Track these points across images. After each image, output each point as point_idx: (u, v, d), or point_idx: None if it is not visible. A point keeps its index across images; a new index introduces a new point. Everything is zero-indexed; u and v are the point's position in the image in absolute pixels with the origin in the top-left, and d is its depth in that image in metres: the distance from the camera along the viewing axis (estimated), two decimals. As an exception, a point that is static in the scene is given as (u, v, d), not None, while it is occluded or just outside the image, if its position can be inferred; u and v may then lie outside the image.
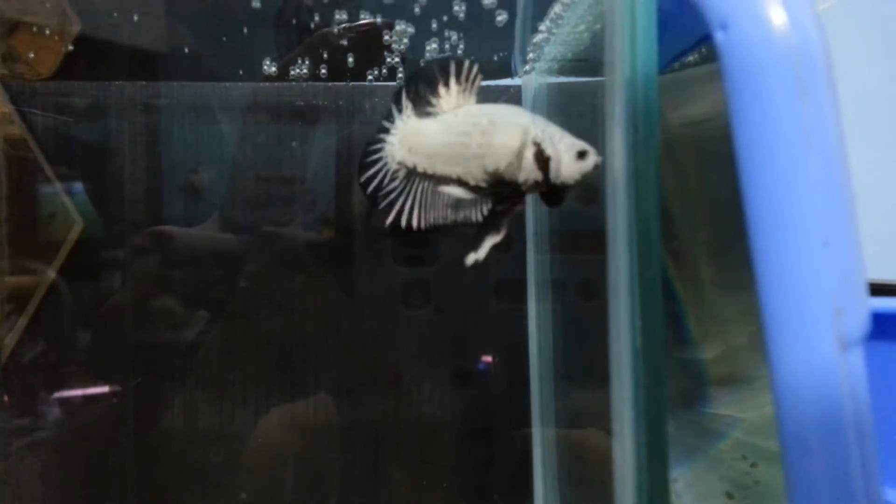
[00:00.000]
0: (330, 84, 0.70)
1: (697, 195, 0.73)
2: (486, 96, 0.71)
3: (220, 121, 0.73)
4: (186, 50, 0.70)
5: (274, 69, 0.66)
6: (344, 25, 0.66)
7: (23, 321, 0.71)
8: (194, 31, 0.70)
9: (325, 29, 0.67)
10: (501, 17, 0.52)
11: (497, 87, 0.71)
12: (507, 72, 0.68)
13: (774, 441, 0.65)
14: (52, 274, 0.71)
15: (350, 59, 0.67)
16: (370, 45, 0.66)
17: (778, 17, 0.29)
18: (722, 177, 0.74)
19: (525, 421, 0.74)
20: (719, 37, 0.30)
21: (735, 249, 0.75)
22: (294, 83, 0.69)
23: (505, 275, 0.75)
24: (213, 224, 0.73)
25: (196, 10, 0.70)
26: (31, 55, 0.67)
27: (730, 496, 0.63)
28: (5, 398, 0.69)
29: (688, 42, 0.40)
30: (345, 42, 0.66)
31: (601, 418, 0.63)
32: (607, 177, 0.37)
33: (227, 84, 0.72)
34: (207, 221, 0.73)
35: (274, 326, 0.74)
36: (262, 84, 0.70)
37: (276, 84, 0.70)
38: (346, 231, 0.74)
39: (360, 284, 0.75)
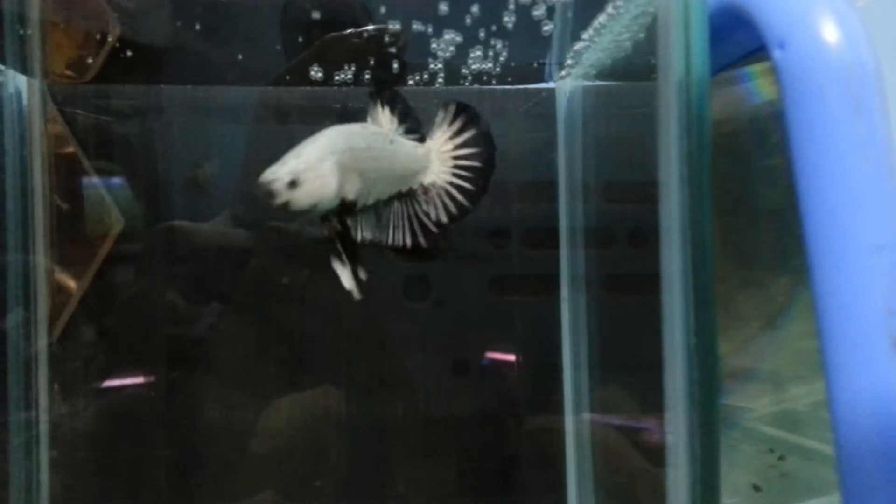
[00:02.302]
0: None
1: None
2: (522, 100, 0.73)
3: (243, 122, 0.74)
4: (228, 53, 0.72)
5: (320, 75, 0.67)
6: (351, 30, 0.67)
7: (65, 317, 0.73)
8: (212, 33, 0.71)
9: (334, 34, 0.67)
10: (548, 28, 0.54)
11: (527, 90, 0.73)
12: (541, 77, 0.70)
13: (802, 436, 0.67)
14: (92, 272, 0.73)
15: (355, 65, 0.67)
16: (377, 51, 0.66)
17: (833, 35, 0.31)
18: (737, 175, 0.76)
19: (547, 415, 0.75)
20: (777, 55, 0.32)
21: (751, 247, 0.77)
22: (328, 87, 0.71)
23: (499, 271, 0.76)
24: (225, 220, 0.75)
25: (232, 12, 0.71)
26: (74, 59, 0.69)
27: (756, 489, 0.65)
28: (56, 387, 0.71)
29: (732, 58, 0.42)
30: (355, 47, 0.67)
31: (638, 415, 0.65)
32: (661, 181, 0.39)
33: (260, 88, 0.73)
34: (218, 217, 0.75)
35: (283, 320, 0.75)
36: (303, 88, 0.71)
37: (316, 88, 0.71)
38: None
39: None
